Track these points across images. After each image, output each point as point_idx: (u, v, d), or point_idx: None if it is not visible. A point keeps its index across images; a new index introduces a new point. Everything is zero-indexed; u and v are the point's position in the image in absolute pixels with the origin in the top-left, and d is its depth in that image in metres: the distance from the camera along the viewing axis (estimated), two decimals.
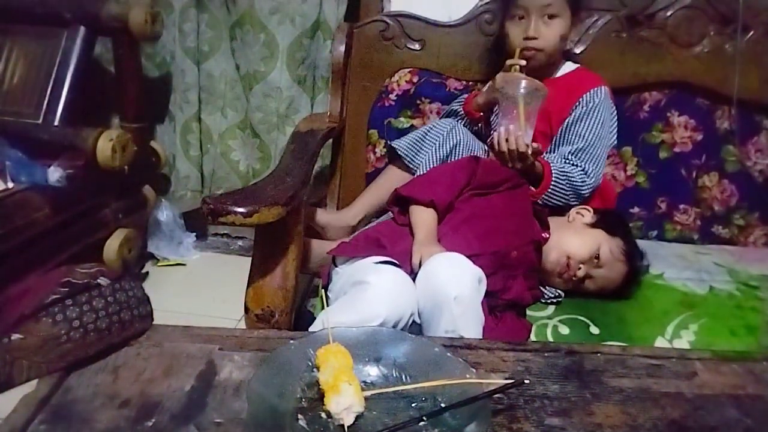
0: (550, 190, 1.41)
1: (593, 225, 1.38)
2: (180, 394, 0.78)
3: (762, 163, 1.66)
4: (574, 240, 1.34)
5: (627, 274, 1.35)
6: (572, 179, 1.41)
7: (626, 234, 1.39)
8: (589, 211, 1.41)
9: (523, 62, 1.42)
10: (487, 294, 1.17)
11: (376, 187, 1.64)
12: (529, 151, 1.34)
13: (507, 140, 1.35)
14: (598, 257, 1.32)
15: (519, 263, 1.28)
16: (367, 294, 1.12)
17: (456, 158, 1.51)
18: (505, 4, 1.51)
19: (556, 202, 1.43)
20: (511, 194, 1.38)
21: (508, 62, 1.44)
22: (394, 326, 1.10)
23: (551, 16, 1.43)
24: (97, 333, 0.82)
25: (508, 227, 1.32)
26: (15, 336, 0.78)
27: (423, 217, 1.31)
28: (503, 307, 1.23)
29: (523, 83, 1.38)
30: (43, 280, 0.82)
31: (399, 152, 1.57)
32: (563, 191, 1.42)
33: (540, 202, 1.42)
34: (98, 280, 0.85)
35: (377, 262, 1.21)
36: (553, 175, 1.40)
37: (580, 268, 1.32)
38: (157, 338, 0.90)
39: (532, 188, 1.42)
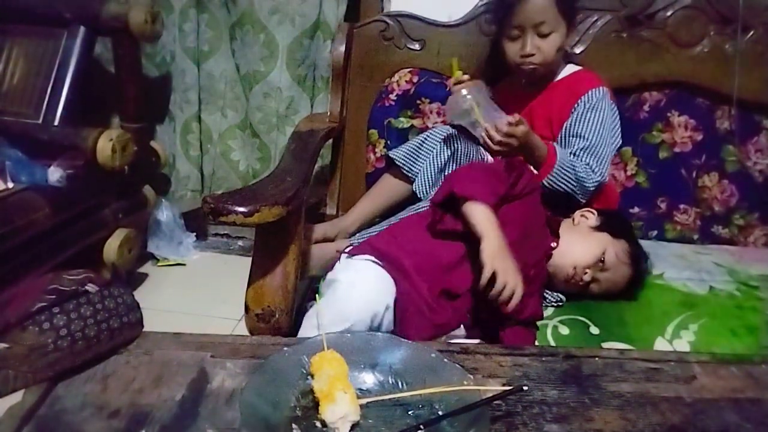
0: (555, 175, 1.38)
1: (598, 228, 1.37)
2: (171, 403, 0.76)
3: (762, 163, 1.66)
4: (580, 247, 1.33)
5: (631, 277, 1.34)
6: (577, 170, 1.39)
7: (630, 236, 1.38)
8: (593, 213, 1.39)
9: (465, 76, 1.45)
10: (503, 317, 1.16)
11: (373, 195, 1.64)
12: (516, 125, 1.33)
13: (492, 137, 1.34)
14: (603, 260, 1.30)
15: (534, 280, 1.26)
16: (338, 293, 1.12)
17: (454, 166, 1.51)
18: (500, 22, 1.51)
19: (560, 187, 1.40)
20: (527, 201, 1.33)
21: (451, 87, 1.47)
22: (371, 321, 1.10)
23: (547, 32, 1.42)
24: (85, 341, 0.80)
25: (527, 243, 1.27)
26: (0, 345, 0.76)
27: (488, 216, 1.18)
28: (514, 323, 1.21)
29: (463, 92, 1.41)
30: (29, 288, 0.80)
31: (396, 162, 1.57)
32: (568, 179, 1.39)
33: (546, 183, 1.39)
34: (86, 287, 0.82)
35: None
36: (558, 155, 1.38)
37: (586, 273, 1.30)
38: (147, 346, 0.88)
39: (534, 171, 1.39)
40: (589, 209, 1.41)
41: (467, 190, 1.21)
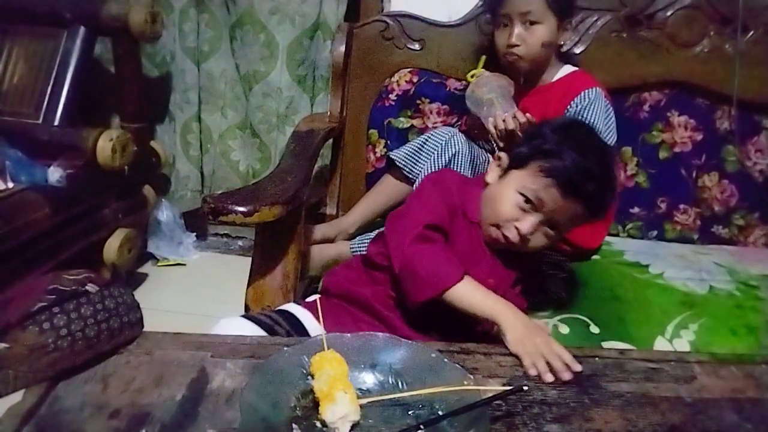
0: None
1: (506, 171, 1.12)
2: (171, 403, 0.76)
3: (762, 163, 1.66)
4: (487, 208, 1.12)
5: (571, 180, 1.03)
6: None
7: (539, 147, 1.07)
8: (500, 158, 1.15)
9: (486, 73, 1.48)
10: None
11: (374, 196, 1.64)
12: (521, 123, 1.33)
13: (508, 122, 1.34)
14: (528, 200, 1.06)
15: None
16: None
17: (455, 167, 1.49)
18: (492, 13, 1.53)
19: None
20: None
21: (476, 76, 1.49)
22: None
23: (532, 23, 1.43)
24: (86, 341, 0.80)
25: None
26: (0, 345, 0.75)
27: (483, 295, 0.99)
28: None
29: (491, 81, 1.44)
30: (29, 288, 0.80)
31: (397, 163, 1.57)
32: None
33: None
34: (86, 287, 0.82)
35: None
36: None
37: (517, 228, 1.06)
38: (147, 346, 0.87)
39: None
40: (501, 152, 1.19)
41: (439, 283, 1.00)
